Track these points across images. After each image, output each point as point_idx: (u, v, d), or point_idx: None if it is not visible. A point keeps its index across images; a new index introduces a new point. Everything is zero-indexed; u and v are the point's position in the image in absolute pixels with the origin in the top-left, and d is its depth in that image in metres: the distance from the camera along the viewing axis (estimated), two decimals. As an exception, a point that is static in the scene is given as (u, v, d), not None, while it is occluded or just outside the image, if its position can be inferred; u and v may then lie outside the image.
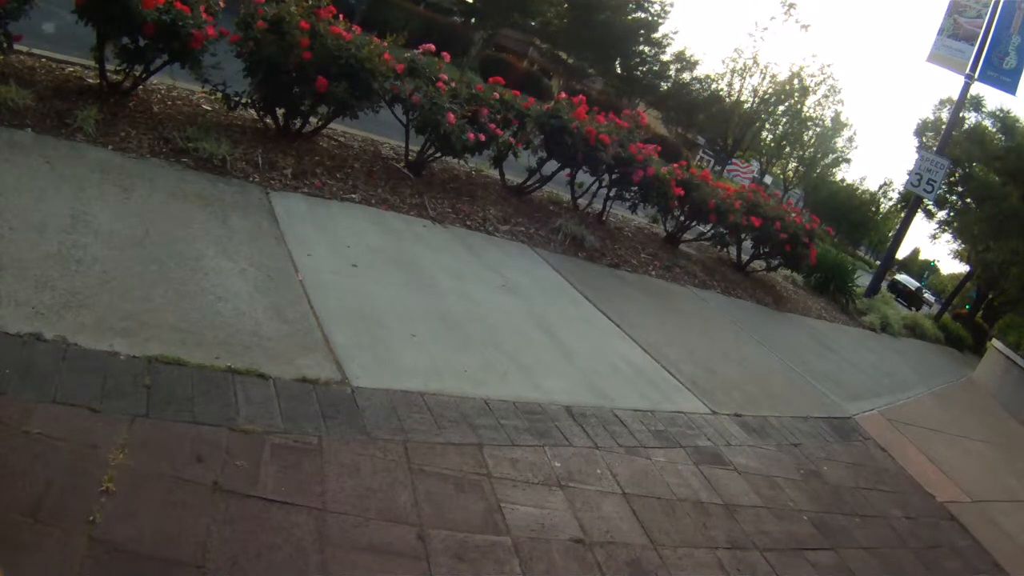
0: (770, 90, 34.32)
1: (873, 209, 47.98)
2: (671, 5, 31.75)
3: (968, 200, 17.75)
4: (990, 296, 18.37)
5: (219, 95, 4.94)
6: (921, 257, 62.94)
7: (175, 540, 1.78)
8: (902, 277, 30.82)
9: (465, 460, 2.62)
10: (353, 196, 4.97)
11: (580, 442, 3.10)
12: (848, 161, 60.56)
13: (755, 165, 40.80)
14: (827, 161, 45.53)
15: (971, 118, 17.60)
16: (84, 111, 4.01)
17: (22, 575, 1.55)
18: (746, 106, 34.01)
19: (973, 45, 12.52)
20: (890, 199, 44.97)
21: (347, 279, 3.71)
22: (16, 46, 4.24)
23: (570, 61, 32.18)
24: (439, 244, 4.91)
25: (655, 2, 30.25)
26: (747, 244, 9.00)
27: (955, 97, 14.59)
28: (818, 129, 41.41)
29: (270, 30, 4.74)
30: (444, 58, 6.06)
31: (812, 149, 43.62)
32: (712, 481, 3.29)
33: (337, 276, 3.69)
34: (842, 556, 3.13)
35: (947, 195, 18.05)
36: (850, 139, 50.64)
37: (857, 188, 49.48)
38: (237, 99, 5.02)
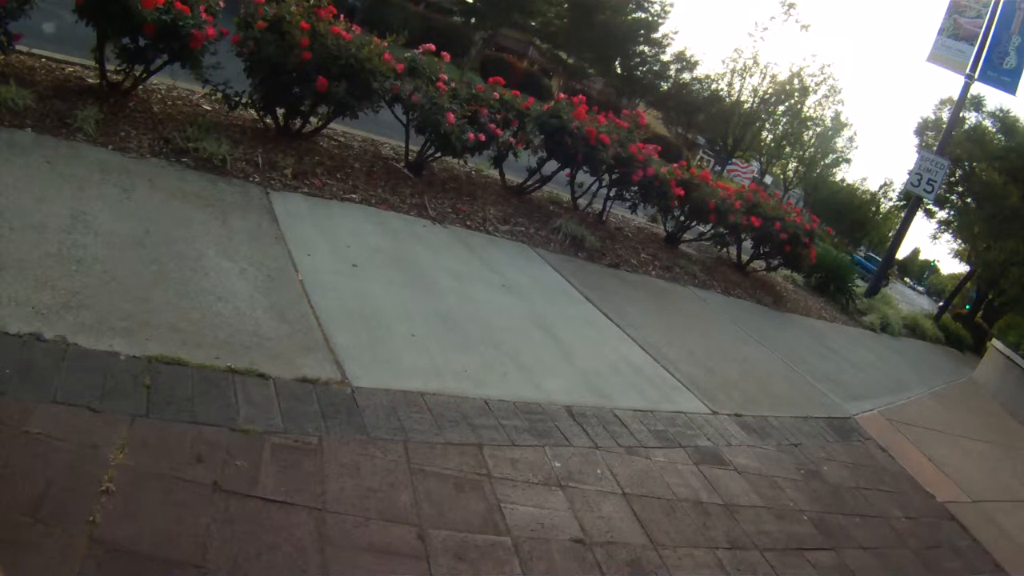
0: (770, 90, 34.27)
1: (873, 209, 47.98)
2: (671, 5, 31.75)
3: (968, 200, 17.75)
4: (990, 296, 18.35)
5: (219, 95, 4.94)
6: (921, 257, 62.98)
7: (175, 540, 1.78)
8: None
9: (465, 460, 2.62)
10: (353, 196, 4.97)
11: (580, 442, 3.10)
12: (848, 161, 60.39)
13: (755, 165, 40.78)
14: (827, 161, 45.47)
15: (971, 118, 17.57)
16: (84, 111, 4.01)
17: (22, 575, 1.55)
18: (746, 106, 33.96)
19: (973, 45, 12.52)
20: (890, 199, 44.98)
21: (347, 279, 3.71)
22: (16, 46, 4.24)
23: (570, 61, 32.17)
24: (439, 244, 4.91)
25: (655, 2, 30.27)
26: (747, 244, 9.01)
27: (955, 97, 14.60)
28: (818, 129, 41.36)
29: (270, 30, 4.74)
30: (444, 58, 6.06)
31: (812, 149, 43.57)
32: (712, 481, 3.29)
33: (337, 276, 3.69)
34: (842, 556, 3.13)
35: (947, 195, 18.04)
36: (850, 139, 50.56)
37: (857, 188, 49.48)
38: (237, 99, 5.02)
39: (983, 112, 17.44)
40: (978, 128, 17.30)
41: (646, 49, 31.13)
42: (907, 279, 47.99)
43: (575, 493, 2.71)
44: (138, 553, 1.71)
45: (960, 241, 19.89)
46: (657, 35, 30.90)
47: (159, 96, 5.11)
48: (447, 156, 6.02)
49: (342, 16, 5.24)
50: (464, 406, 2.97)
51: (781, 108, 36.07)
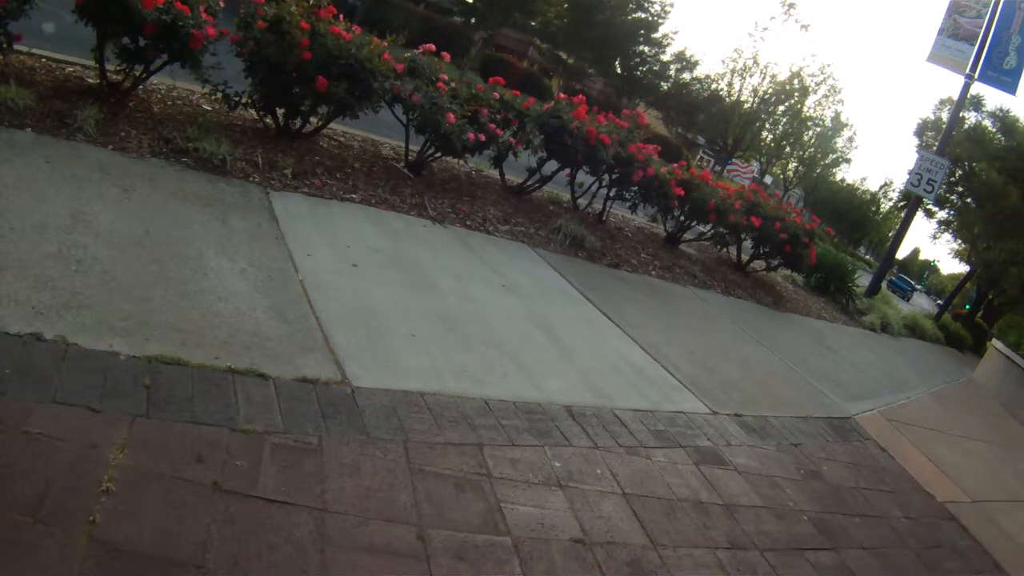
0: (770, 90, 34.27)
1: (873, 209, 48.02)
2: (671, 5, 31.72)
3: (968, 200, 17.76)
4: (990, 296, 18.37)
5: (219, 95, 4.94)
6: (921, 257, 63.08)
7: (175, 540, 1.78)
8: None
9: (465, 460, 2.62)
10: (353, 196, 4.97)
11: (580, 442, 3.10)
12: (848, 161, 60.59)
13: (755, 165, 40.79)
14: (827, 161, 45.52)
15: (971, 118, 17.60)
16: (84, 111, 4.01)
17: (22, 575, 1.55)
18: (746, 106, 33.96)
19: (973, 45, 12.52)
20: (890, 199, 45.07)
21: (347, 279, 3.71)
22: (16, 46, 4.24)
23: (570, 61, 32.17)
24: (439, 244, 4.91)
25: (655, 2, 30.25)
26: (747, 244, 9.01)
27: (955, 97, 14.60)
28: (818, 129, 41.39)
29: (270, 30, 4.74)
30: (444, 58, 6.06)
31: (812, 149, 43.60)
32: (712, 481, 3.29)
33: (337, 276, 3.69)
34: (842, 556, 3.13)
35: (947, 195, 18.06)
36: (850, 139, 50.68)
37: (857, 188, 49.54)
38: (237, 99, 5.02)
39: (983, 112, 17.48)
40: (978, 128, 17.32)
41: (646, 49, 31.11)
42: (900, 274, 48.35)
43: (575, 493, 2.71)
44: (138, 553, 1.71)
45: (960, 241, 19.93)
46: (657, 35, 30.89)
47: (159, 96, 5.10)
48: (447, 156, 6.03)
49: (342, 16, 5.24)
50: (464, 406, 2.97)
51: (781, 108, 36.08)
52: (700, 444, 3.63)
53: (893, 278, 39.77)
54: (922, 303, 37.13)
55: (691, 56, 32.41)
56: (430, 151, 5.90)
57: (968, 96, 14.26)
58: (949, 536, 3.95)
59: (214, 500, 1.95)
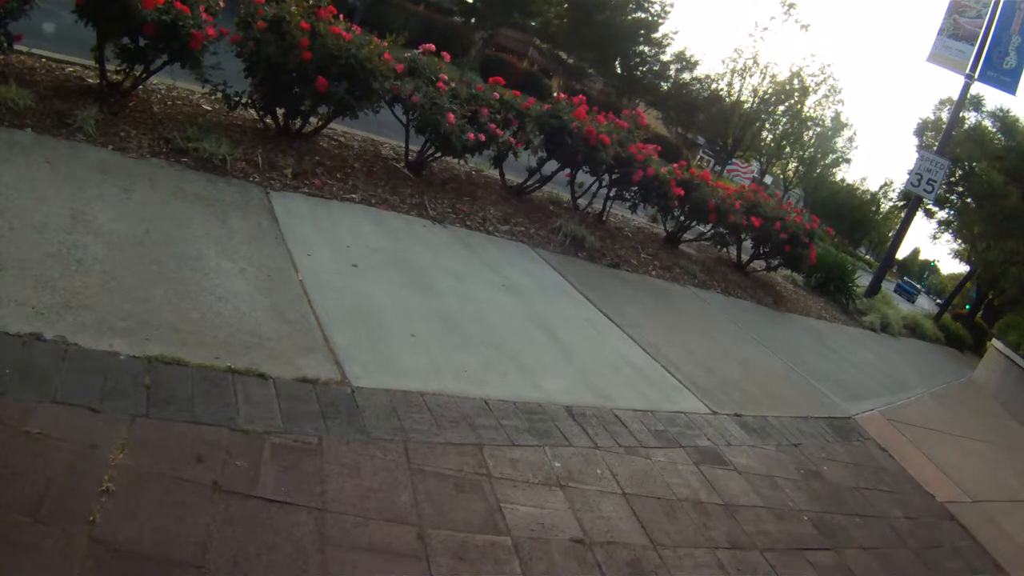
0: (770, 90, 34.28)
1: (873, 209, 48.06)
2: (671, 5, 31.73)
3: (968, 200, 17.76)
4: (990, 296, 18.37)
5: (219, 95, 4.94)
6: (921, 257, 63.13)
7: (175, 540, 1.78)
8: None
9: (465, 460, 2.62)
10: (353, 196, 4.97)
11: (580, 442, 3.10)
12: (848, 161, 60.74)
13: (755, 165, 40.79)
14: (827, 161, 45.56)
15: (971, 118, 17.59)
16: (84, 111, 4.01)
17: (22, 575, 1.55)
18: (746, 106, 33.96)
19: (973, 45, 12.51)
20: (890, 199, 45.11)
21: (347, 279, 3.71)
22: (16, 46, 4.24)
23: (570, 61, 32.18)
24: (439, 244, 4.91)
25: (655, 2, 30.26)
26: (747, 244, 9.01)
27: (955, 97, 14.59)
28: (818, 129, 41.42)
29: (270, 30, 4.74)
30: (444, 58, 6.07)
31: (812, 149, 43.63)
32: (712, 481, 3.29)
33: (337, 276, 3.69)
34: (842, 556, 3.13)
35: (947, 195, 18.06)
36: (850, 139, 50.74)
37: (857, 188, 49.58)
38: (237, 99, 5.02)
39: (983, 112, 17.46)
40: (978, 128, 17.30)
41: (646, 49, 31.12)
42: (906, 278, 48.56)
43: (575, 493, 2.71)
44: (138, 553, 1.71)
45: (960, 241, 19.92)
46: (657, 35, 30.90)
47: (159, 96, 5.11)
48: (447, 156, 6.02)
49: (342, 16, 5.24)
50: (464, 406, 2.97)
51: (781, 108, 36.08)
52: (700, 444, 3.63)
53: (899, 281, 40.27)
54: (922, 303, 37.31)
55: (691, 56, 32.44)
56: (430, 151, 5.90)
57: (968, 96, 14.24)
58: (949, 536, 3.95)
59: (214, 500, 1.95)
